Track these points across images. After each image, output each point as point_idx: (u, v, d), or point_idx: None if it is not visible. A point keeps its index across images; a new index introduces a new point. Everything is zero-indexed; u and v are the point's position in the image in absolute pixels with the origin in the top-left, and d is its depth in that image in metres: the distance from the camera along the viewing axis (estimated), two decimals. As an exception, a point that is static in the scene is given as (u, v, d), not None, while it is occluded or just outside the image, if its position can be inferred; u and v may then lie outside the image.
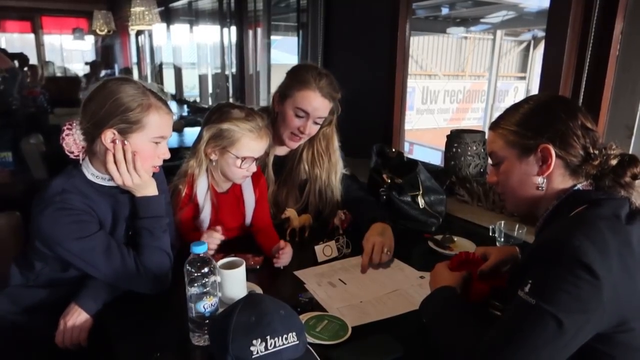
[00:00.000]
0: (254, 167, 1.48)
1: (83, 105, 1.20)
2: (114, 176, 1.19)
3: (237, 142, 1.41)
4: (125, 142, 1.17)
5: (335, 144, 1.75)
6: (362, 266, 1.42)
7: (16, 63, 4.97)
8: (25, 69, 5.81)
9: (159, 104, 1.21)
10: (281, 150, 1.75)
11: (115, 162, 1.17)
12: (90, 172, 1.23)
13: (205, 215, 1.50)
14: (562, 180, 0.97)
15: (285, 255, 1.41)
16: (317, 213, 1.74)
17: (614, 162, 0.94)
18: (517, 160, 1.00)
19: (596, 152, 0.95)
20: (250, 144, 1.41)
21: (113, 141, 1.17)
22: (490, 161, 1.10)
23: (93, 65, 7.80)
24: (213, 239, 1.36)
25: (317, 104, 1.58)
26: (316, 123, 1.63)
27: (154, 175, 1.27)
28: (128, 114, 1.16)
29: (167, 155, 1.26)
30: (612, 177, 0.94)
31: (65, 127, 1.20)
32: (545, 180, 0.98)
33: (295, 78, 1.61)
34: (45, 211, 1.14)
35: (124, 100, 1.16)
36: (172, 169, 1.50)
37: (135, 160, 1.18)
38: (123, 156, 1.17)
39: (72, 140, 1.20)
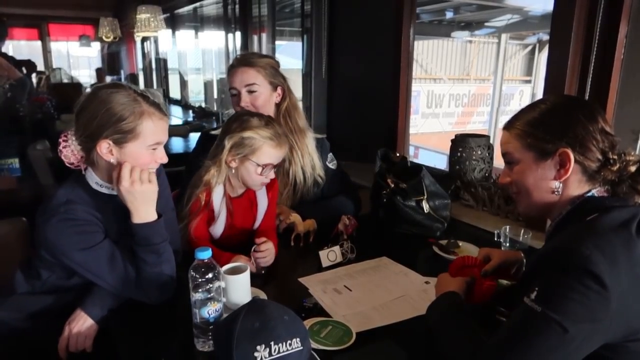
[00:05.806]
0: (272, 174, 1.50)
1: (76, 116, 1.18)
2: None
3: (258, 150, 1.43)
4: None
5: (300, 112, 1.82)
6: None
7: (24, 70, 4.99)
8: (33, 75, 5.84)
9: (152, 109, 1.18)
10: None
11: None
12: (94, 181, 1.22)
13: (221, 221, 1.51)
14: (578, 186, 0.95)
15: (266, 253, 1.40)
16: (322, 219, 1.74)
17: (633, 168, 0.92)
18: (533, 163, 0.97)
19: (615, 157, 0.92)
20: (270, 151, 1.44)
21: (110, 151, 1.16)
22: (497, 159, 1.08)
23: (98, 71, 7.93)
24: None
25: (237, 75, 1.70)
26: (250, 92, 1.70)
27: (157, 179, 1.24)
28: (121, 124, 1.14)
29: (165, 160, 1.25)
30: (629, 183, 0.92)
31: (61, 140, 1.19)
32: (561, 184, 0.95)
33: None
34: (50, 221, 1.14)
35: (116, 110, 1.14)
36: (177, 175, 1.50)
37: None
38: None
39: (70, 152, 1.20)
